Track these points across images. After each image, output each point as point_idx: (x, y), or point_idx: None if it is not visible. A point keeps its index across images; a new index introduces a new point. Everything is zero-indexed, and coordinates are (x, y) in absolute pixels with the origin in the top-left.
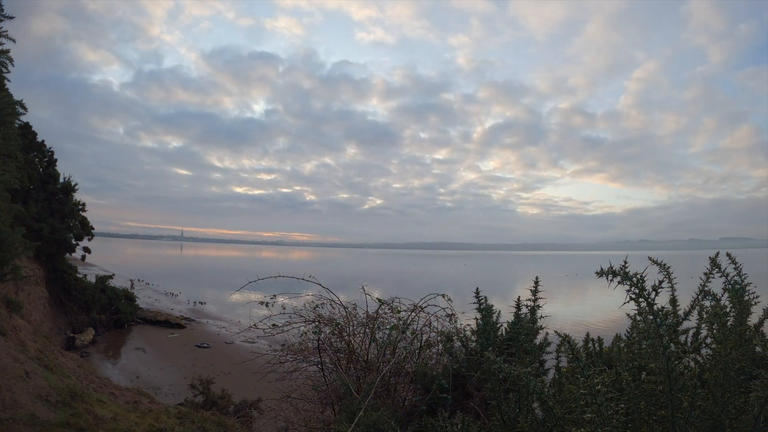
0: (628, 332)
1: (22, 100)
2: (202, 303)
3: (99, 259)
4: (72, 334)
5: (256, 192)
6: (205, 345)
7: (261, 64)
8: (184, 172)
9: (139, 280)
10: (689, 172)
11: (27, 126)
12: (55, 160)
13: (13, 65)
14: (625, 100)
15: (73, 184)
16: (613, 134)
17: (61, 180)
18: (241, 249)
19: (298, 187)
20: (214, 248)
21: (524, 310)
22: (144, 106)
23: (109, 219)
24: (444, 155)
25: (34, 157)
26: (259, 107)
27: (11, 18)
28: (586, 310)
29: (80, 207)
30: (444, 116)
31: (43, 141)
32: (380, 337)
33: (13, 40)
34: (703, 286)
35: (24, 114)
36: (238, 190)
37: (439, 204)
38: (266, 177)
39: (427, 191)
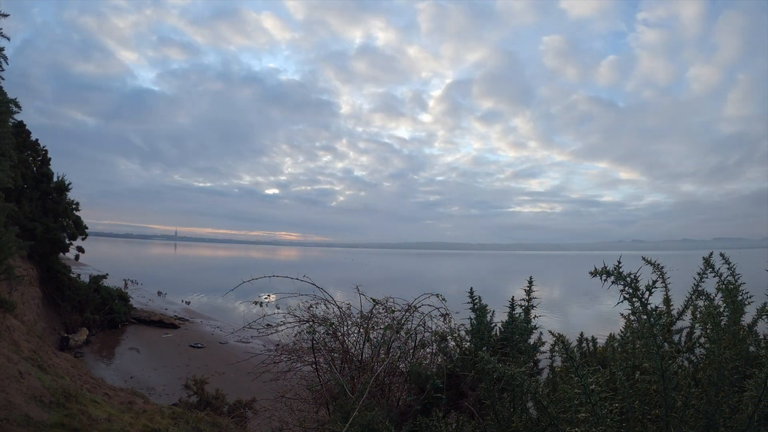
0: (622, 332)
1: (16, 99)
2: (187, 302)
3: (90, 258)
4: (66, 334)
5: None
6: (200, 345)
7: None
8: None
9: (131, 281)
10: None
11: (21, 124)
12: (49, 159)
13: (7, 63)
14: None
15: (66, 183)
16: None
17: (55, 179)
18: (236, 249)
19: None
20: (208, 248)
21: (518, 309)
22: None
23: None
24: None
25: (28, 155)
26: None
27: (6, 15)
28: (580, 310)
29: (74, 206)
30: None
31: (36, 139)
32: (374, 337)
33: (8, 38)
34: (697, 285)
35: (18, 112)
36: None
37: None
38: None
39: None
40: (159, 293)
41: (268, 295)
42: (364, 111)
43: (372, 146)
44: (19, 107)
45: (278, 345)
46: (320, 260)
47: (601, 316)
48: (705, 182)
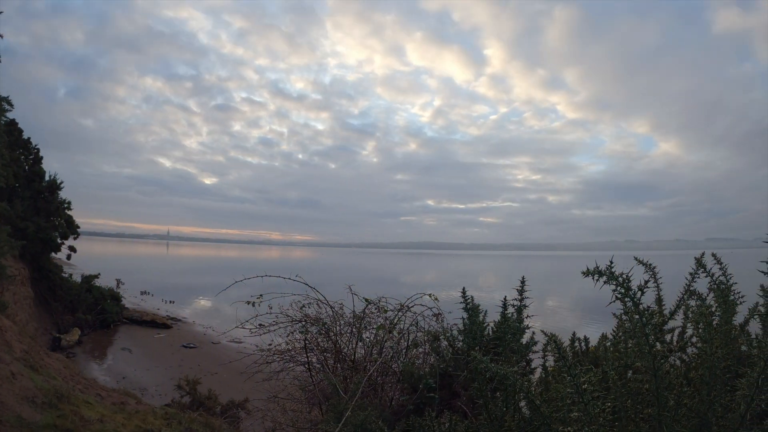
0: (614, 331)
1: (8, 97)
2: (171, 302)
3: (77, 258)
4: (58, 335)
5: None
6: (192, 345)
7: None
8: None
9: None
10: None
11: (13, 123)
12: (41, 157)
13: (0, 61)
14: None
15: (58, 182)
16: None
17: (47, 178)
18: (231, 249)
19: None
20: (200, 247)
21: (511, 309)
22: None
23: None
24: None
25: (20, 154)
26: None
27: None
28: (574, 309)
29: (66, 205)
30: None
31: (29, 138)
32: (367, 337)
33: (1, 36)
34: (689, 285)
35: (10, 111)
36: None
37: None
38: None
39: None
40: (142, 293)
41: (260, 295)
42: None
43: None
44: (11, 105)
45: (271, 345)
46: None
47: (594, 315)
48: None
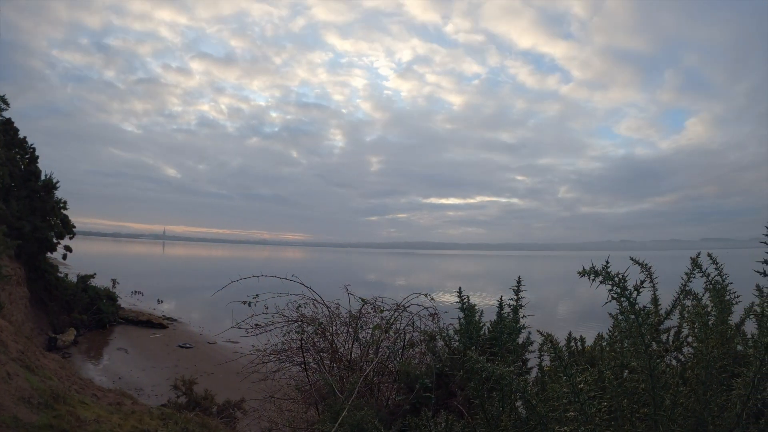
0: (610, 331)
1: (4, 95)
2: (160, 301)
3: (71, 258)
4: (53, 335)
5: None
6: (188, 345)
7: None
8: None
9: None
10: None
11: (9, 122)
12: (37, 157)
13: None
14: None
15: (54, 181)
16: None
17: (43, 177)
18: (225, 248)
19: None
20: (196, 247)
21: (507, 309)
22: None
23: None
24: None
25: (16, 153)
26: None
27: None
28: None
29: (62, 205)
30: None
31: (25, 137)
32: (363, 337)
33: None
34: (685, 285)
35: (6, 109)
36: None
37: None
38: None
39: None
40: (134, 293)
41: (257, 295)
42: None
43: None
44: (7, 104)
45: (267, 343)
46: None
47: (590, 315)
48: None
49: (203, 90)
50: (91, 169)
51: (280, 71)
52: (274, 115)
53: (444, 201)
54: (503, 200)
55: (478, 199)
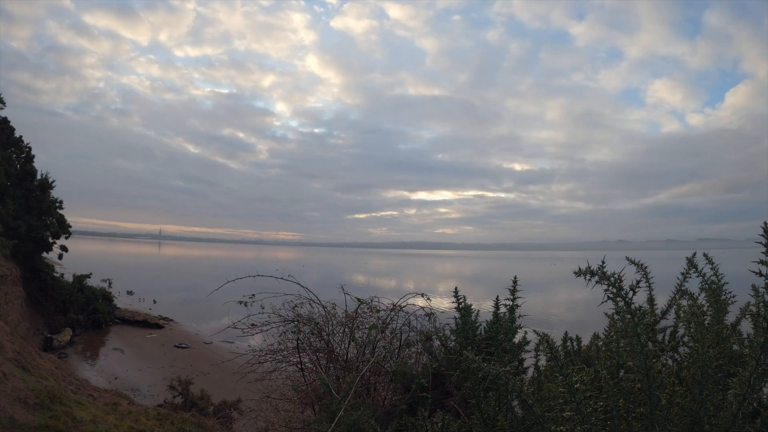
0: (606, 331)
1: (0, 95)
2: (154, 301)
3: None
4: (49, 335)
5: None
6: (184, 345)
7: None
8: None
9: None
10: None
11: (5, 121)
12: (33, 156)
13: None
14: None
15: (50, 181)
16: None
17: (39, 177)
18: (220, 248)
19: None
20: (192, 247)
21: (503, 309)
22: None
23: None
24: None
25: (12, 153)
26: None
27: None
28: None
29: (57, 204)
30: None
31: (21, 136)
32: (360, 337)
33: None
34: (680, 285)
35: (2, 108)
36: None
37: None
38: None
39: None
40: (128, 292)
41: (253, 295)
42: None
43: None
44: (3, 103)
45: (264, 342)
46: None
47: (586, 315)
48: None
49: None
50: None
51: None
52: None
53: (435, 197)
54: (502, 195)
55: (471, 193)
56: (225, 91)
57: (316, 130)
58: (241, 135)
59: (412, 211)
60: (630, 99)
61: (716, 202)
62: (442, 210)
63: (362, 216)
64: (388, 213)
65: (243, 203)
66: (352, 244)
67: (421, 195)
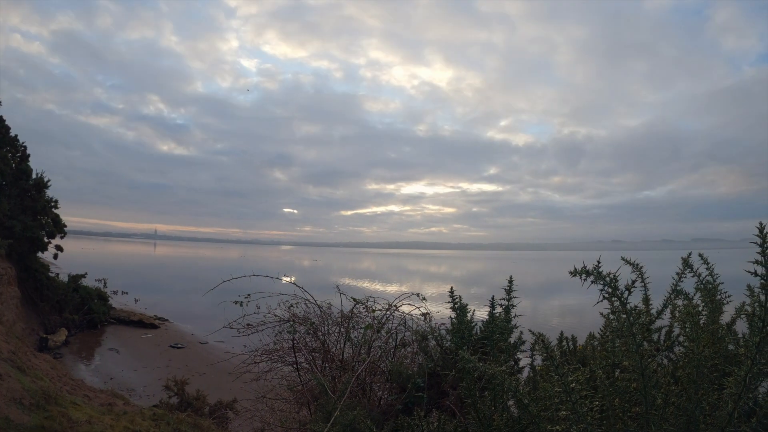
0: (602, 330)
1: None
2: (136, 300)
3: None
4: (45, 335)
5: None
6: (180, 345)
7: None
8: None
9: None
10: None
11: (0, 120)
12: (28, 155)
13: None
14: None
15: (45, 180)
16: None
17: (34, 176)
18: (215, 248)
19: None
20: (188, 246)
21: (498, 309)
22: None
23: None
24: None
25: (7, 152)
26: None
27: None
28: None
29: (53, 204)
30: None
31: (16, 135)
32: (355, 337)
33: None
34: (676, 285)
35: None
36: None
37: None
38: None
39: None
40: (115, 292)
41: (248, 295)
42: None
43: None
44: None
45: (259, 342)
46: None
47: (581, 315)
48: None
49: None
50: None
51: None
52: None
53: (421, 189)
54: (500, 189)
55: (464, 185)
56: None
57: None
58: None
59: (402, 208)
60: None
61: None
62: (432, 207)
63: (348, 213)
64: (375, 210)
65: (210, 198)
66: (347, 243)
67: (402, 184)
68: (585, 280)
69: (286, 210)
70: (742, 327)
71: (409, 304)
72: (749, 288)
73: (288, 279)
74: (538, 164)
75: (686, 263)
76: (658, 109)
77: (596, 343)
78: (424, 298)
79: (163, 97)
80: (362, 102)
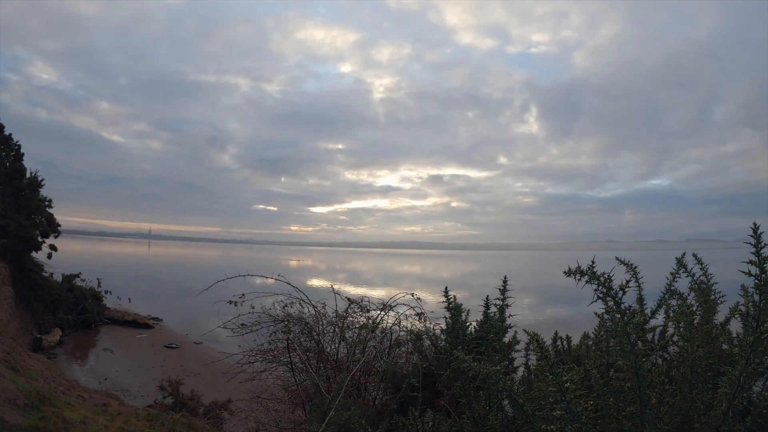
0: (596, 330)
1: None
2: (128, 299)
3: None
4: (39, 335)
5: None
6: (174, 345)
7: None
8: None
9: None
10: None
11: None
12: (22, 154)
13: None
14: None
15: (39, 179)
16: None
17: (28, 175)
18: (212, 248)
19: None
20: (182, 246)
21: (493, 308)
22: None
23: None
24: None
25: (1, 151)
26: None
27: None
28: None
29: (47, 203)
30: None
31: (10, 134)
32: (350, 336)
33: None
34: (670, 285)
35: None
36: None
37: None
38: None
39: None
40: (107, 292)
41: (243, 295)
42: None
43: None
44: None
45: (254, 341)
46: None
47: (576, 314)
48: None
49: None
50: None
51: None
52: None
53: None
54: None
55: (462, 171)
56: None
57: None
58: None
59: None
60: None
61: None
62: (420, 203)
63: (323, 211)
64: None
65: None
66: (342, 243)
67: (365, 175)
68: (579, 280)
69: (259, 206)
70: (736, 326)
71: (403, 304)
72: (743, 288)
73: (282, 279)
74: None
75: (680, 263)
76: None
77: (591, 342)
78: (419, 298)
79: None
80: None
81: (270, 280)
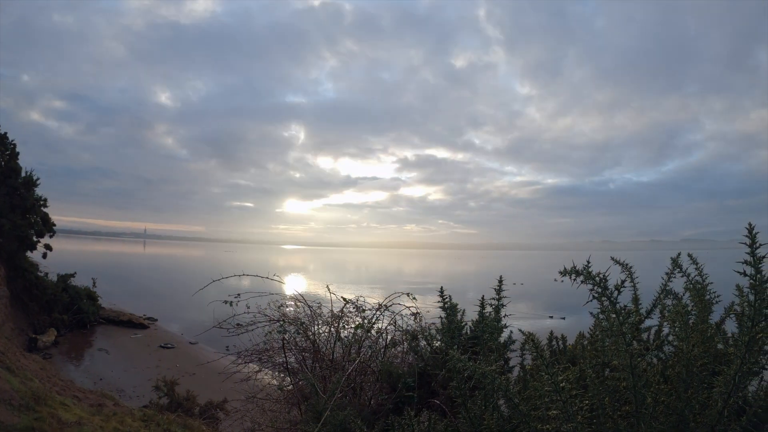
0: (592, 330)
1: None
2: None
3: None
4: (34, 335)
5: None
6: (169, 345)
7: None
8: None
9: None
10: None
11: None
12: (18, 153)
13: None
14: None
15: (35, 178)
16: None
17: (23, 174)
18: (207, 247)
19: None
20: (177, 246)
21: (488, 308)
22: None
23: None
24: None
25: None
26: None
27: None
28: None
29: (42, 202)
30: None
31: (5, 133)
32: (345, 336)
33: None
34: (665, 285)
35: None
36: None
37: None
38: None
39: None
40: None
41: (238, 294)
42: None
43: None
44: None
45: (249, 341)
46: None
47: (572, 314)
48: None
49: None
50: None
51: None
52: None
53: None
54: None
55: (462, 157)
56: None
57: None
58: None
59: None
60: None
61: None
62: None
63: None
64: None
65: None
66: (344, 244)
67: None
68: (575, 280)
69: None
70: (731, 326)
71: (399, 304)
72: (738, 288)
73: (278, 279)
74: None
75: (675, 263)
76: None
77: (586, 342)
78: (415, 297)
79: None
80: None
81: (265, 280)
